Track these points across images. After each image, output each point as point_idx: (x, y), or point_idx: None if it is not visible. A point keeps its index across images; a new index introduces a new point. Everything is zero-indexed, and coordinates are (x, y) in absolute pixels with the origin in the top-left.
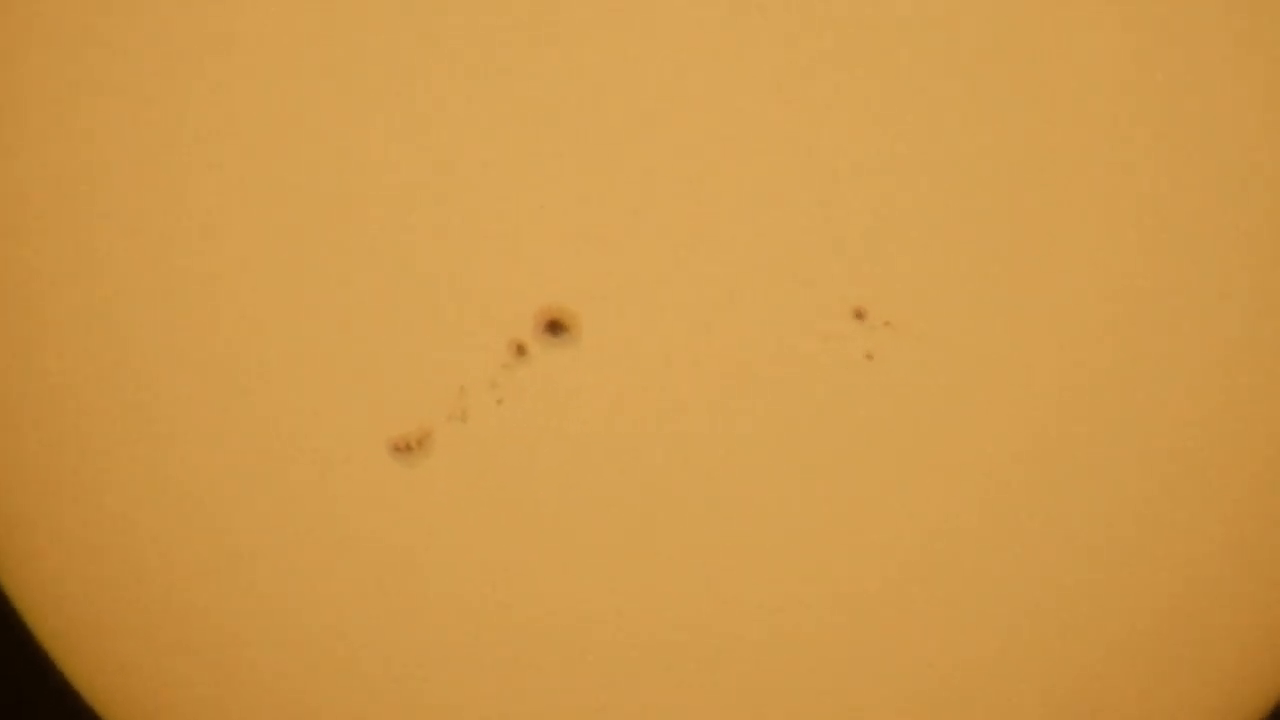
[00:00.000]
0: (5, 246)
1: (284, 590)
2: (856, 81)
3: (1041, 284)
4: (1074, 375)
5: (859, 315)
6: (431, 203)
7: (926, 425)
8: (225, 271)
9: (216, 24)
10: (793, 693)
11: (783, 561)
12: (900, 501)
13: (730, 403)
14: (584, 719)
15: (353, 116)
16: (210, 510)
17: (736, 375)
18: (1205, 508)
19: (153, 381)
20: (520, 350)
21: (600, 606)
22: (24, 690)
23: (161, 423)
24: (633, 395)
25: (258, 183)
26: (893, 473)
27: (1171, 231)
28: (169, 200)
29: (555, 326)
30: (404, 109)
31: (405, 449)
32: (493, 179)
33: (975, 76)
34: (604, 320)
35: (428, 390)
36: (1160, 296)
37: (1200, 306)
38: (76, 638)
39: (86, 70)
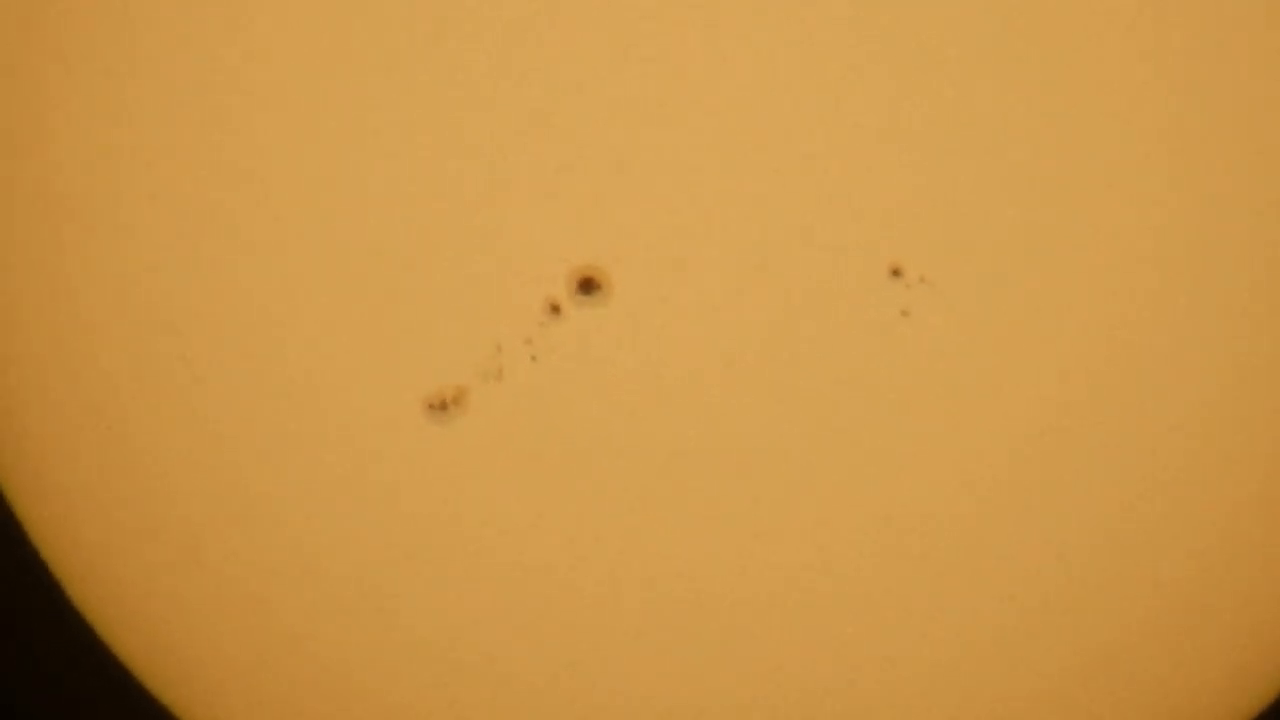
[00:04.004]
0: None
1: (320, 547)
2: (895, 40)
3: (1077, 242)
4: (1110, 333)
5: (895, 272)
6: (467, 164)
7: (961, 381)
8: (265, 233)
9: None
10: (828, 646)
11: (817, 517)
12: (933, 459)
13: (766, 360)
14: (617, 672)
15: (390, 81)
16: (248, 469)
17: (772, 333)
18: (1232, 483)
19: (192, 341)
20: (554, 308)
21: (633, 562)
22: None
23: (199, 385)
24: (666, 353)
25: (300, 147)
26: (927, 428)
27: (1211, 192)
28: (213, 157)
29: (589, 285)
30: (441, 74)
31: (441, 406)
32: (527, 140)
33: (1015, 36)
34: (637, 278)
35: (463, 348)
36: (1200, 258)
37: (1236, 274)
38: (111, 595)
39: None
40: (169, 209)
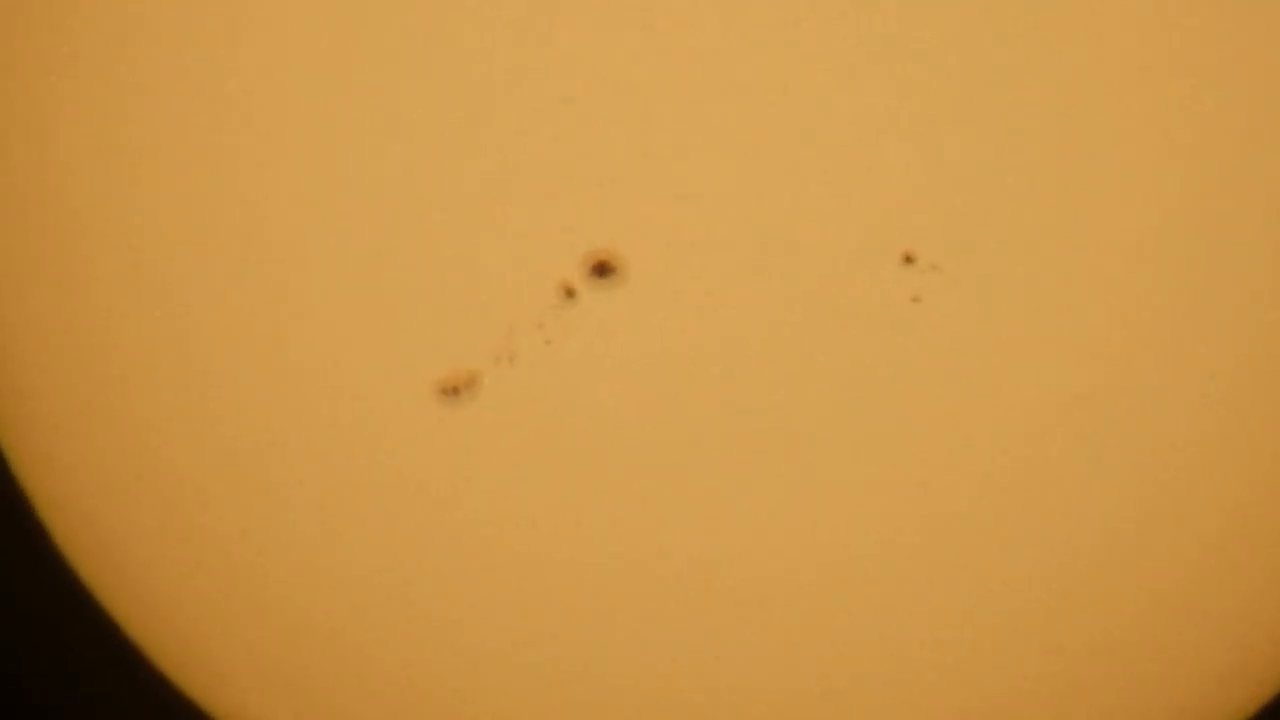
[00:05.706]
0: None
1: (331, 531)
2: (909, 29)
3: (1088, 229)
4: (1121, 320)
5: (907, 259)
6: (481, 148)
7: (972, 367)
8: (279, 218)
9: None
10: (832, 631)
11: (829, 501)
12: (944, 445)
13: (778, 345)
14: (627, 653)
15: (405, 66)
16: (260, 453)
17: (784, 318)
18: (1243, 470)
19: (203, 330)
20: (568, 292)
21: (645, 547)
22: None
23: (211, 372)
24: (680, 337)
25: (315, 133)
26: (939, 414)
27: (1223, 181)
28: (228, 143)
29: (603, 268)
30: (457, 58)
31: (453, 391)
32: (540, 124)
33: (1025, 24)
34: (651, 263)
35: (476, 332)
36: (1212, 245)
37: (1247, 262)
38: (126, 580)
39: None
40: (185, 191)
